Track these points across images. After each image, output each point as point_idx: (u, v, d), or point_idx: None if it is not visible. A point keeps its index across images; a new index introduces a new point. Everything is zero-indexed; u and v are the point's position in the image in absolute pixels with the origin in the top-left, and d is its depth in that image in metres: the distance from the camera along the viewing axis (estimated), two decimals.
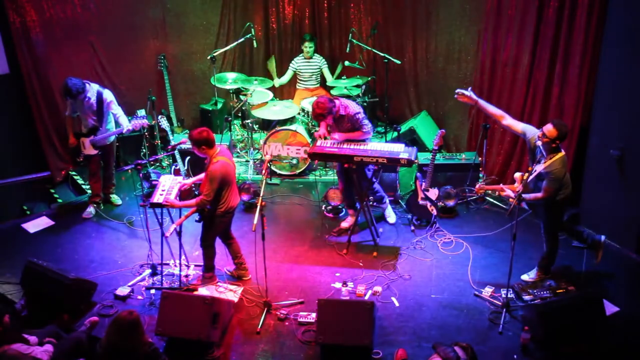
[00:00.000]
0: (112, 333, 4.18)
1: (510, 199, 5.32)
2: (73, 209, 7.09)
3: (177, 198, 5.48)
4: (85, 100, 6.47)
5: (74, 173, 7.61)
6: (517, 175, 5.47)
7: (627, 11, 5.55)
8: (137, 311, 4.30)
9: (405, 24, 8.15)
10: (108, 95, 6.57)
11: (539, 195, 5.19)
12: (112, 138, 6.80)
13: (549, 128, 5.01)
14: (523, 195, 5.16)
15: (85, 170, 7.14)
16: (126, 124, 6.51)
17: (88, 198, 7.08)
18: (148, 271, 5.95)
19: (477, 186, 5.61)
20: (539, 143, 5.08)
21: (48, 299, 5.29)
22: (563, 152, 5.16)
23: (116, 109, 6.62)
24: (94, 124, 6.58)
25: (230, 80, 7.97)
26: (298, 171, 7.62)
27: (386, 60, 7.55)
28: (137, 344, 4.19)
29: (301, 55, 8.17)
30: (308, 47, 8.00)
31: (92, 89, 6.51)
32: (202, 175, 5.49)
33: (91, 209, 6.97)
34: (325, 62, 8.22)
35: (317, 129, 6.64)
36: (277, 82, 8.22)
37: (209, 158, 5.29)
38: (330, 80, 8.14)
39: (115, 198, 7.21)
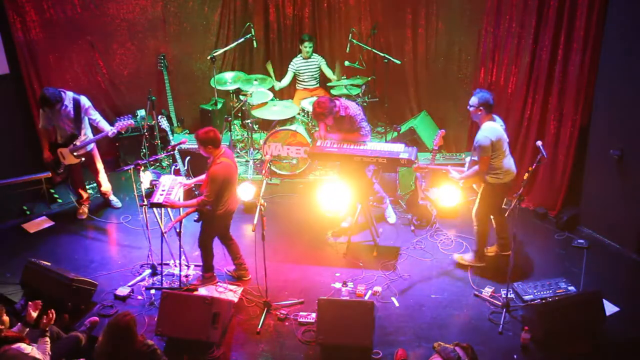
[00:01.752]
0: (105, 335, 4.20)
1: (459, 179, 5.59)
2: (73, 209, 7.08)
3: (179, 199, 5.49)
4: (63, 109, 6.34)
5: None
6: (468, 158, 5.64)
7: (627, 11, 5.55)
8: (132, 314, 4.29)
9: (405, 24, 8.15)
10: (85, 101, 6.46)
11: (476, 168, 5.38)
12: (93, 144, 6.70)
13: (471, 98, 5.38)
14: (463, 175, 5.51)
15: (86, 171, 7.02)
16: (108, 128, 6.41)
17: (76, 202, 7.07)
18: (148, 271, 5.95)
19: (415, 165, 5.85)
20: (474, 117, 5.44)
21: (48, 299, 5.27)
22: (491, 123, 5.35)
23: (95, 114, 6.51)
24: (72, 132, 6.46)
25: (229, 80, 7.96)
26: (298, 171, 7.62)
27: (386, 61, 7.54)
28: (130, 346, 4.19)
29: (300, 55, 8.17)
30: (308, 47, 7.99)
31: (68, 96, 6.37)
32: (203, 176, 5.49)
33: (84, 210, 6.98)
34: (324, 59, 8.22)
35: (317, 129, 6.65)
36: (278, 85, 8.19)
37: (213, 158, 5.29)
38: (331, 76, 8.14)
39: (116, 201, 7.15)
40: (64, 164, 6.61)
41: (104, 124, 6.51)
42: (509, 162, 5.47)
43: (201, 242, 5.59)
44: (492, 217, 5.85)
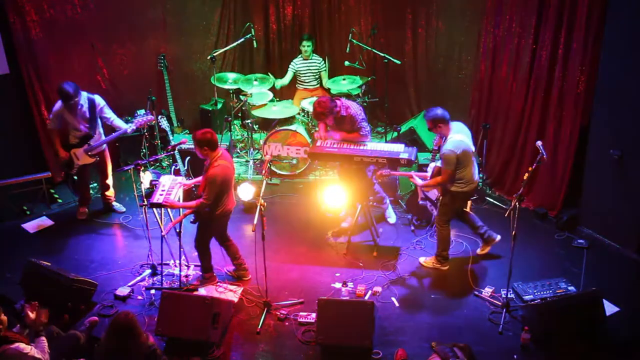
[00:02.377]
0: (109, 335, 4.19)
1: (422, 187, 5.79)
2: (73, 209, 7.08)
3: (179, 199, 5.48)
4: (79, 108, 6.31)
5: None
6: (432, 164, 5.70)
7: (627, 11, 5.55)
8: (132, 312, 4.28)
9: (405, 24, 8.15)
10: (100, 100, 6.44)
11: (438, 178, 5.46)
12: (105, 144, 6.68)
13: (426, 123, 5.55)
14: (425, 182, 5.62)
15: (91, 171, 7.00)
16: (125, 126, 6.41)
17: (78, 202, 7.05)
18: (148, 271, 5.95)
19: (378, 172, 6.00)
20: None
21: (48, 299, 5.27)
22: (457, 136, 5.38)
23: (109, 113, 6.50)
24: (87, 132, 6.43)
25: (230, 80, 7.96)
26: (298, 171, 7.62)
27: (386, 61, 7.54)
28: (134, 345, 4.18)
29: (300, 56, 8.16)
30: (306, 46, 7.97)
31: (83, 96, 6.34)
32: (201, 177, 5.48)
33: (84, 210, 6.97)
34: (325, 65, 8.21)
35: (317, 129, 6.65)
36: (278, 83, 8.18)
37: (210, 161, 5.26)
38: (325, 82, 8.14)
39: (119, 206, 7.09)
40: (77, 164, 6.58)
41: (119, 122, 6.49)
42: (473, 173, 5.54)
43: (198, 243, 5.59)
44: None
